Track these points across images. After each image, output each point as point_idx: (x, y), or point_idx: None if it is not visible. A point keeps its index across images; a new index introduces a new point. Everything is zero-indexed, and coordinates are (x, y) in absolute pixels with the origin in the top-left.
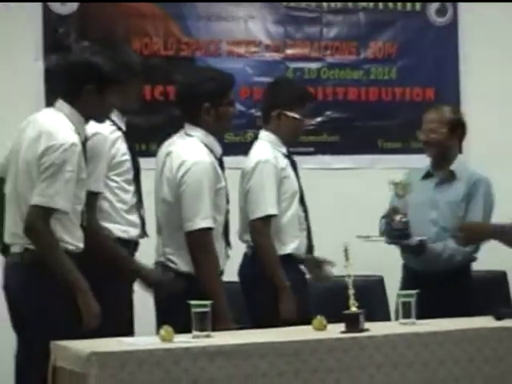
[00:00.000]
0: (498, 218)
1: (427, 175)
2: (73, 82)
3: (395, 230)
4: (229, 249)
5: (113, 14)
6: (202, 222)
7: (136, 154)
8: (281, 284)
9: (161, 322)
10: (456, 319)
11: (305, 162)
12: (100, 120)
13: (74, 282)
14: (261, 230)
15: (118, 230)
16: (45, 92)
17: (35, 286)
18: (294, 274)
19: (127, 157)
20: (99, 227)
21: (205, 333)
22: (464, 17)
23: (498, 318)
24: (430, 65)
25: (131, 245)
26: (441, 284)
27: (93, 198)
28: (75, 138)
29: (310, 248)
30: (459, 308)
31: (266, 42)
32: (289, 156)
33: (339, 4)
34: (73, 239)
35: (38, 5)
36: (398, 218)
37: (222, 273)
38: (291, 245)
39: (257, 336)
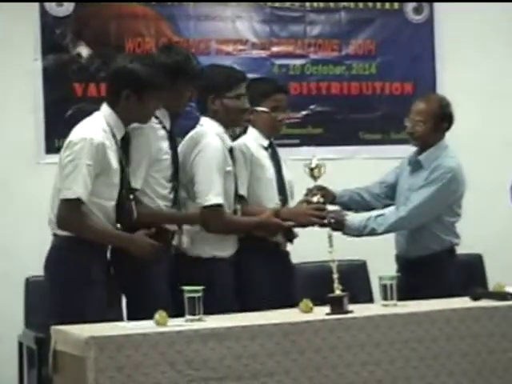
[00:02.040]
0: (474, 208)
1: (409, 163)
2: (112, 87)
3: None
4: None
5: (107, 16)
6: (214, 199)
7: (177, 151)
8: None
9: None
10: (435, 300)
11: (291, 154)
12: (142, 122)
13: (121, 242)
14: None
15: None
16: (43, 90)
17: (55, 268)
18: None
19: (167, 156)
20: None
21: (197, 316)
22: (439, 15)
23: (475, 299)
24: (408, 60)
25: (168, 234)
26: (424, 268)
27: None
28: (96, 134)
29: (289, 233)
30: (441, 291)
31: (252, 40)
32: (269, 148)
33: (322, 3)
34: None
35: (36, 7)
36: (315, 199)
37: (232, 256)
38: None
39: (247, 319)
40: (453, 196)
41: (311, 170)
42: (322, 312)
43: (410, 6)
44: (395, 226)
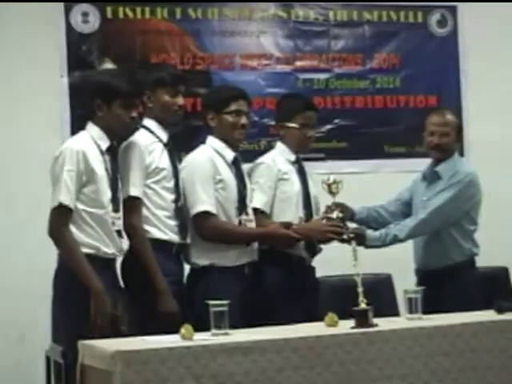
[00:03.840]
0: (498, 220)
1: (423, 178)
2: (86, 100)
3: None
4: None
5: (132, 32)
6: (199, 206)
7: (176, 164)
8: None
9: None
10: (460, 313)
11: (316, 168)
12: (122, 131)
13: (87, 282)
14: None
15: (157, 232)
16: (69, 107)
17: (57, 288)
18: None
19: (164, 166)
20: (135, 229)
21: (223, 330)
22: (463, 27)
23: (500, 312)
24: (432, 73)
25: (170, 246)
26: (445, 280)
27: (128, 201)
28: (76, 144)
29: (312, 247)
30: (463, 302)
31: (276, 55)
32: (296, 163)
33: (345, 17)
34: (93, 242)
35: (62, 24)
36: (334, 215)
37: (244, 266)
38: None
39: (272, 333)
40: (471, 200)
41: (329, 186)
42: (346, 326)
43: (433, 19)
44: (416, 229)
